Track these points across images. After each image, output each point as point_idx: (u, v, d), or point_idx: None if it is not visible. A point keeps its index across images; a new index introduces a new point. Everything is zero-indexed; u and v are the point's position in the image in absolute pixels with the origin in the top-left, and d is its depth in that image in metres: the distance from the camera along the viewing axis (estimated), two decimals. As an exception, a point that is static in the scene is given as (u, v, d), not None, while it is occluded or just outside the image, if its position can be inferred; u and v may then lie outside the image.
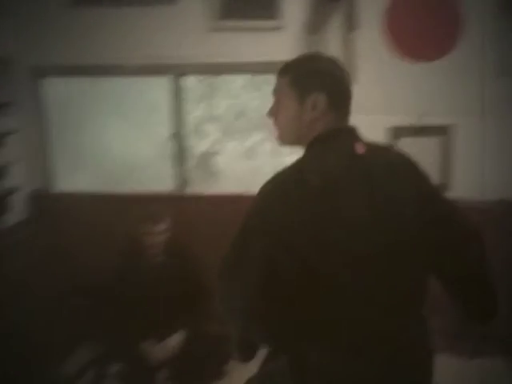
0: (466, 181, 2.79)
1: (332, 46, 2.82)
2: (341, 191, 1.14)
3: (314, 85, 1.25)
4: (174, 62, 2.95)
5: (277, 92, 1.34)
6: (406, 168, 1.29)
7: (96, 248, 3.00)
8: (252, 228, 1.16)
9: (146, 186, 3.17)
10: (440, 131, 2.85)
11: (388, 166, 1.24)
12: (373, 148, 1.26)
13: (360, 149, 1.22)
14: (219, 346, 2.67)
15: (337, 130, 1.26)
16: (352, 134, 1.27)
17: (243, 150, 3.39)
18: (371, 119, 2.81)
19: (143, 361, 2.64)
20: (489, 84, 2.66)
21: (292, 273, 1.11)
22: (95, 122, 3.20)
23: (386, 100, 2.84)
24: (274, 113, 1.34)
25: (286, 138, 1.34)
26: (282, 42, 2.81)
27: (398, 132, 2.86)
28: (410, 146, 2.79)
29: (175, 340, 2.71)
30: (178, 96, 3.06)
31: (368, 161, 1.21)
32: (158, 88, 3.07)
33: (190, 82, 3.20)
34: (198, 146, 3.36)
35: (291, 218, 1.11)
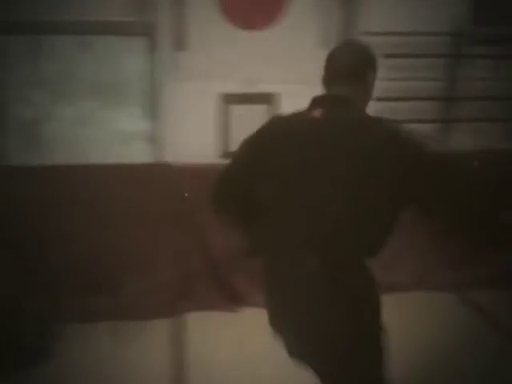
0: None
1: (161, 11, 2.81)
2: (279, 141, 1.48)
3: None
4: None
5: None
6: (365, 135, 1.40)
7: None
8: (241, 148, 1.58)
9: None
10: (266, 99, 3.04)
11: (339, 130, 1.43)
12: (337, 116, 1.46)
13: (316, 113, 1.45)
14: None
15: (314, 98, 1.53)
16: (320, 101, 1.51)
17: (76, 117, 3.19)
18: (202, 86, 2.88)
19: None
20: (310, 55, 2.85)
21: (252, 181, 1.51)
22: None
23: (216, 67, 2.92)
24: None
25: None
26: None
27: (228, 99, 2.99)
28: (239, 113, 2.95)
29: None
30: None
31: (319, 123, 1.44)
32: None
33: (13, 41, 2.93)
34: (22, 113, 3.10)
35: (253, 147, 1.54)
